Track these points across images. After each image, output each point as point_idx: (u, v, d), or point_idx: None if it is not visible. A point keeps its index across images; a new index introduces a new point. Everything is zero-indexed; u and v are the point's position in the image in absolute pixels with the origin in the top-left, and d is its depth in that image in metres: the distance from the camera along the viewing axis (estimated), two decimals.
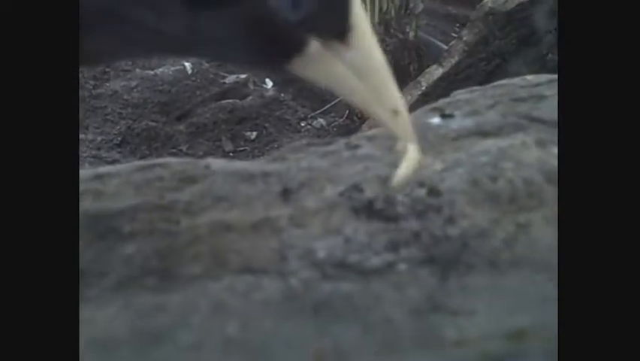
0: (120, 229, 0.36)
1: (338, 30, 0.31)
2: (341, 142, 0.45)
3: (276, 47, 0.31)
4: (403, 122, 0.34)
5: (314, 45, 0.31)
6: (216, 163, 0.44)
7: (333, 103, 1.76)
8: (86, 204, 0.40)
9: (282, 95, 1.71)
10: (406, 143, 0.35)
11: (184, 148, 1.62)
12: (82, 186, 0.42)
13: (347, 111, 1.72)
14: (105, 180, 0.42)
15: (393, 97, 0.33)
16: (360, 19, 0.32)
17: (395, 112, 0.33)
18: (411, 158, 0.35)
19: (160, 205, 0.39)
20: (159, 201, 0.39)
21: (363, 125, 1.55)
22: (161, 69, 1.86)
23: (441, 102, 0.50)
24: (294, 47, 0.31)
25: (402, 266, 0.34)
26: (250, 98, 1.72)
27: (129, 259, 0.34)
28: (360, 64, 0.32)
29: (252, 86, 1.76)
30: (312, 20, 0.30)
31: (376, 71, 0.33)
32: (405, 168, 0.34)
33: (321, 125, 1.70)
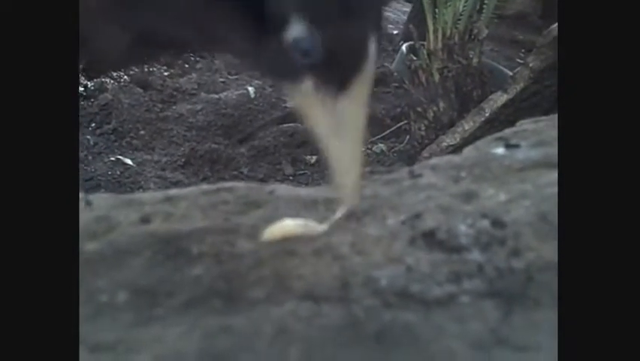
0: (189, 250, 0.37)
1: (336, 84, 0.37)
2: (404, 170, 0.45)
3: (284, 73, 0.38)
4: (352, 193, 0.38)
5: (307, 84, 0.37)
6: (280, 189, 0.45)
7: (393, 128, 1.76)
8: (156, 225, 0.41)
9: None
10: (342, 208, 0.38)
11: (245, 171, 1.65)
12: (152, 208, 0.44)
13: (407, 137, 1.72)
14: (174, 202, 0.44)
15: (355, 167, 0.38)
16: (362, 84, 0.37)
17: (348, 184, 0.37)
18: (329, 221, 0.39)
19: (226, 228, 0.40)
20: (225, 225, 0.40)
21: (423, 152, 1.54)
22: (225, 93, 1.91)
23: (506, 132, 0.49)
24: (293, 77, 0.37)
25: (464, 298, 0.34)
26: None
27: (197, 280, 0.35)
28: (340, 120, 0.37)
29: None
30: (316, 68, 0.36)
31: (349, 136, 0.38)
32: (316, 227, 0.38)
33: (381, 150, 1.70)
